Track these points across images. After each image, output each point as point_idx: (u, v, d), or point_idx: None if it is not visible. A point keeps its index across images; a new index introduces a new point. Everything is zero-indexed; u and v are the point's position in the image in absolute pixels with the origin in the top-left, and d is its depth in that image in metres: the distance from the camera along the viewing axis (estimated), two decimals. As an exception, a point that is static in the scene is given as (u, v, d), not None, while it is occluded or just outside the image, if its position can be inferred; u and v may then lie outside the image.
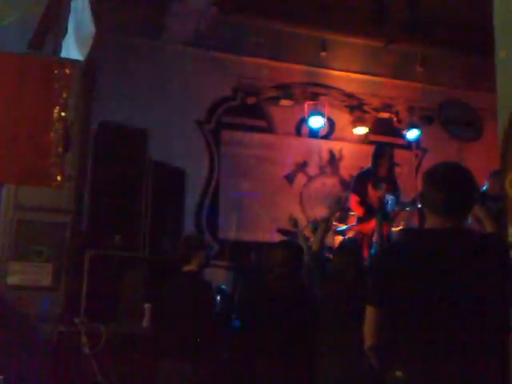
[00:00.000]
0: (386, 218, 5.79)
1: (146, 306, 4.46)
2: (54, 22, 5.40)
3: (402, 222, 6.31)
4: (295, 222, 4.76)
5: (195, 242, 4.22)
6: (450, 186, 2.20)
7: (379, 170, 6.32)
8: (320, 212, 7.44)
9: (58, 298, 4.42)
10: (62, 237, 4.45)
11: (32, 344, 4.14)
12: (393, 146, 7.34)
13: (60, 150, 4.40)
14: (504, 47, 2.54)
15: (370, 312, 2.24)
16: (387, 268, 2.22)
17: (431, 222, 2.22)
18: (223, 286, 5.65)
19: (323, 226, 4.06)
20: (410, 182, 7.57)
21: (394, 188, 6.42)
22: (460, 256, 2.12)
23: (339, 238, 6.12)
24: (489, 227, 2.91)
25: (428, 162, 8.06)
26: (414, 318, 2.13)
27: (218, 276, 6.48)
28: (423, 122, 8.13)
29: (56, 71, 4.52)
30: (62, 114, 4.46)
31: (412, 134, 8.01)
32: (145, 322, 4.44)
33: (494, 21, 2.57)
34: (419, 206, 5.96)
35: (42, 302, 4.33)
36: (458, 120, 8.38)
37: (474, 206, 2.32)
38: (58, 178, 4.27)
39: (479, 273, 2.10)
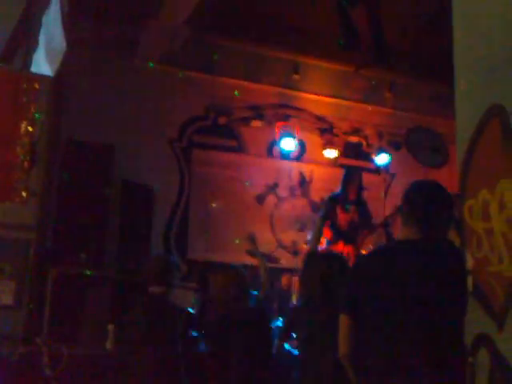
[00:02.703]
0: (350, 241, 5.84)
1: (110, 327, 4.38)
2: (25, 36, 5.36)
3: (370, 246, 6.37)
4: (253, 239, 4.71)
5: (163, 263, 4.18)
6: (418, 199, 2.32)
7: (348, 193, 6.38)
8: (289, 234, 7.48)
9: (19, 317, 4.32)
10: (26, 254, 4.37)
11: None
12: (362, 169, 7.43)
13: (26, 165, 4.34)
14: (464, 79, 2.61)
15: (342, 320, 2.32)
16: (358, 278, 2.34)
17: (403, 233, 2.33)
18: (190, 309, 5.58)
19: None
20: (378, 206, 7.66)
21: (362, 211, 6.48)
22: (423, 266, 2.21)
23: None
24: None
25: (396, 187, 8.18)
26: (379, 326, 2.21)
27: (186, 298, 6.42)
28: (391, 147, 8.27)
29: (25, 85, 4.49)
30: (29, 128, 4.42)
31: (382, 160, 8.15)
32: (108, 344, 4.36)
33: (454, 53, 2.64)
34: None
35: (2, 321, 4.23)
36: (424, 146, 8.54)
37: (447, 219, 2.39)
38: (23, 193, 4.21)
39: (442, 284, 2.18)
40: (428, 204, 2.31)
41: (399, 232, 2.38)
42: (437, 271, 2.20)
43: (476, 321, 2.30)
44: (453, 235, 2.67)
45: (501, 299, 2.22)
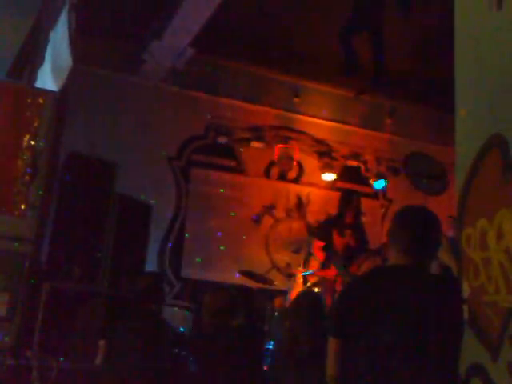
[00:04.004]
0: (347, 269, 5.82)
1: (101, 342, 4.35)
2: (32, 52, 5.41)
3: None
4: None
5: (156, 280, 4.17)
6: (412, 225, 2.35)
7: (345, 217, 6.36)
8: (284, 255, 7.48)
9: (11, 329, 4.30)
10: (21, 266, 4.37)
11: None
12: (359, 194, 7.44)
13: (26, 178, 4.36)
14: (464, 105, 2.64)
15: (331, 343, 2.33)
16: (347, 301, 2.37)
17: (393, 259, 2.35)
18: (182, 329, 5.55)
19: None
20: (375, 231, 7.65)
21: (359, 235, 6.47)
22: (413, 292, 2.23)
23: (300, 283, 6.13)
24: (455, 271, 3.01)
25: (393, 213, 8.18)
26: (367, 349, 2.22)
27: (178, 315, 6.39)
28: (390, 172, 8.30)
29: (29, 100, 4.53)
30: (32, 142, 4.45)
31: (379, 184, 8.18)
32: (98, 360, 4.33)
33: (455, 81, 2.68)
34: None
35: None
36: (423, 173, 8.56)
37: (437, 246, 2.42)
38: (22, 206, 4.22)
39: (429, 310, 2.19)
40: (418, 230, 2.34)
41: (391, 257, 2.39)
42: (431, 298, 2.21)
43: (470, 350, 2.30)
44: (441, 254, 2.69)
45: (496, 329, 2.21)
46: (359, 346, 2.24)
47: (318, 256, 6.23)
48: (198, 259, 7.36)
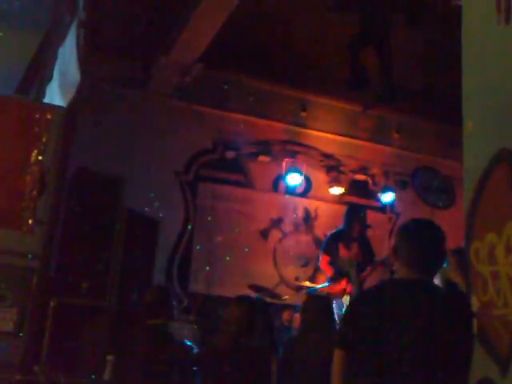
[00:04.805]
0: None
1: (108, 358, 4.33)
2: (40, 68, 5.46)
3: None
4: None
5: (162, 294, 4.16)
6: (419, 240, 2.35)
7: (351, 231, 6.35)
8: (292, 269, 7.45)
9: (19, 344, 4.30)
10: (29, 282, 4.38)
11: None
12: (367, 207, 7.43)
13: (34, 193, 4.39)
14: (471, 119, 2.64)
15: (336, 354, 2.32)
16: (354, 313, 2.36)
17: (400, 273, 2.35)
18: (189, 342, 5.51)
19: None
20: (383, 244, 7.63)
21: (365, 249, 6.45)
22: (420, 306, 2.21)
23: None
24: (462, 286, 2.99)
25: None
26: (373, 361, 2.20)
27: (186, 331, 6.36)
28: (397, 186, 8.29)
29: (37, 115, 4.57)
30: (40, 157, 4.48)
31: (387, 197, 8.18)
32: (106, 375, 4.31)
33: (463, 95, 2.68)
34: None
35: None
36: (431, 186, 8.56)
37: (443, 261, 2.43)
38: (30, 221, 4.24)
39: (438, 325, 2.18)
40: (423, 244, 2.34)
41: (397, 270, 2.39)
42: (440, 313, 2.19)
43: (479, 364, 2.28)
44: (448, 272, 2.68)
45: (505, 343, 2.19)
46: (366, 360, 2.22)
47: (327, 271, 6.21)
48: (205, 273, 7.33)
